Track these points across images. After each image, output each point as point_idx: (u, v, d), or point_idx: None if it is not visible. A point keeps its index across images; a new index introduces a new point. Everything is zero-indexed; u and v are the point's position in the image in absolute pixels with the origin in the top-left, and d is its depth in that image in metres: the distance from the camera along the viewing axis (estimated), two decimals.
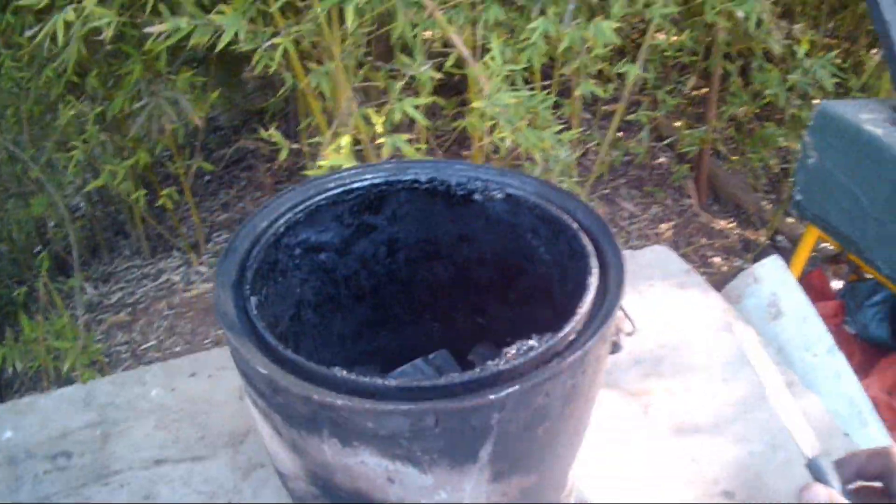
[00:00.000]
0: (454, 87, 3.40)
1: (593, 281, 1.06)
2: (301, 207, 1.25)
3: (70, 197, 4.30)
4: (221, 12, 2.36)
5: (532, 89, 2.71)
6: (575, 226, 1.18)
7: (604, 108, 4.20)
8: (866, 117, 2.37)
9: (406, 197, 1.34)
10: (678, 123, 4.25)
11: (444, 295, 1.47)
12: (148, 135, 3.20)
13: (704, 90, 4.08)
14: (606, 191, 4.13)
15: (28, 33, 2.46)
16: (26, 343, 3.03)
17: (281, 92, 2.88)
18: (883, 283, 2.56)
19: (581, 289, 1.06)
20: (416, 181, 1.32)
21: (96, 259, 4.07)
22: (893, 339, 2.79)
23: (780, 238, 3.82)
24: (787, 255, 3.66)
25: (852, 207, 2.42)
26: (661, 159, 4.43)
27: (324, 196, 1.28)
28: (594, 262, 1.10)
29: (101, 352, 3.29)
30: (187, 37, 2.38)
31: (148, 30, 2.35)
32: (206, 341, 3.38)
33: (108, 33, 2.35)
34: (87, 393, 1.61)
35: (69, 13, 2.27)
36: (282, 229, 1.21)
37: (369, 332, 1.49)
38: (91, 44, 2.84)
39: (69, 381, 3.16)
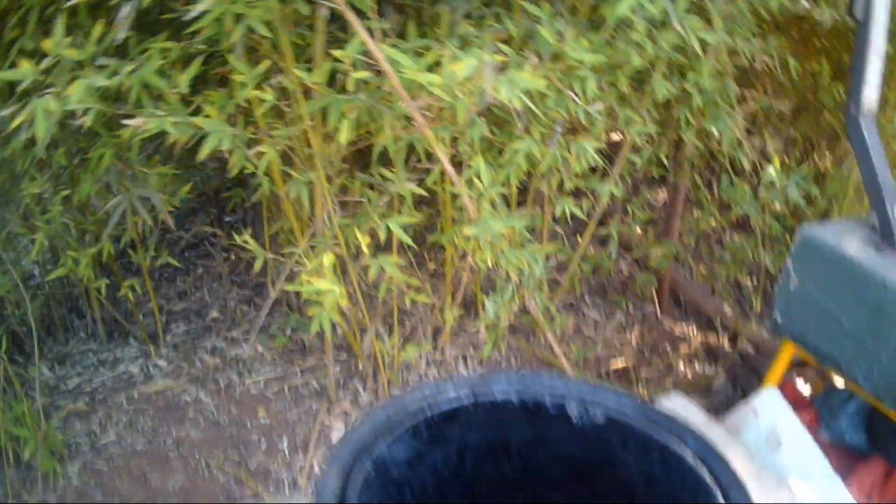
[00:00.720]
0: (422, 199, 3.38)
1: None
2: (388, 438, 1.22)
3: (28, 270, 4.22)
4: (205, 115, 2.32)
5: (508, 206, 2.71)
6: (689, 456, 1.16)
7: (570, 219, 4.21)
8: (847, 241, 2.39)
9: (486, 411, 1.31)
10: (639, 234, 4.26)
11: (513, 492, 1.43)
12: (112, 223, 3.13)
13: (669, 204, 4.09)
14: (570, 301, 4.11)
15: (3, 114, 2.35)
16: None
17: (256, 194, 2.83)
18: (861, 394, 2.56)
19: None
20: (507, 402, 1.29)
21: (51, 337, 3.97)
22: (870, 444, 2.79)
23: (741, 341, 3.81)
24: (750, 360, 3.68)
25: (833, 328, 2.42)
26: (623, 266, 4.43)
27: (408, 424, 1.25)
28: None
29: (62, 443, 3.20)
30: (164, 131, 2.33)
31: (128, 122, 2.30)
32: (169, 441, 3.29)
33: (86, 120, 2.29)
34: None
35: (49, 102, 2.20)
36: (367, 467, 1.19)
37: None
38: (62, 123, 2.78)
39: (29, 467, 3.11)
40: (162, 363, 3.72)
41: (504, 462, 1.38)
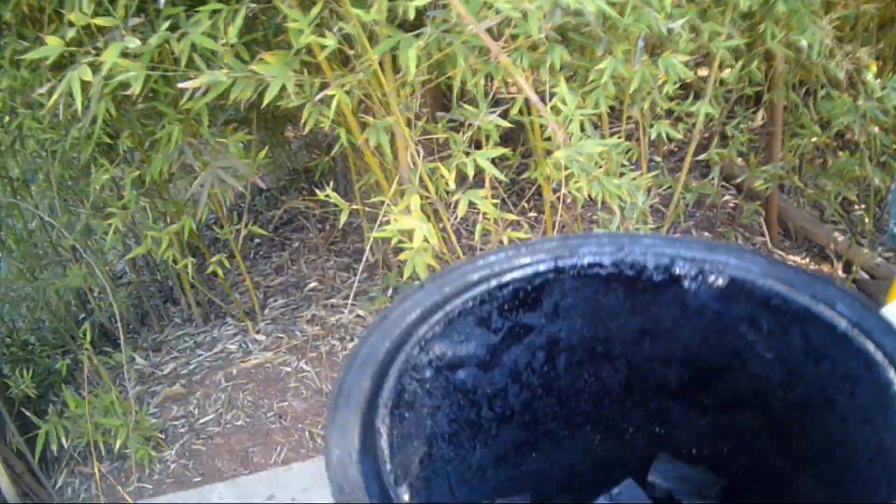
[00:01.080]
0: (507, 137, 3.24)
1: None
2: (437, 317, 0.96)
3: (112, 263, 4.18)
4: (264, 62, 2.20)
5: (601, 136, 2.56)
6: (838, 319, 0.94)
7: (665, 148, 4.05)
8: None
9: (575, 284, 1.07)
10: (739, 160, 4.08)
11: (612, 401, 1.22)
12: (191, 199, 3.05)
13: (767, 125, 3.92)
14: (676, 234, 3.95)
15: (40, 91, 2.30)
16: (71, 419, 2.88)
17: (336, 148, 2.70)
18: None
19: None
20: (596, 265, 1.05)
21: (145, 327, 3.94)
22: None
23: (855, 268, 3.63)
24: (866, 287, 3.50)
25: None
26: (726, 197, 4.26)
27: (469, 296, 1.00)
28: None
29: (156, 427, 3.13)
30: (227, 93, 2.22)
31: (182, 85, 2.21)
32: (270, 414, 3.22)
33: (136, 88, 2.19)
34: None
35: (84, 70, 2.13)
36: (413, 353, 0.93)
37: (516, 455, 1.23)
38: (120, 102, 2.69)
39: (122, 457, 3.08)
40: (260, 337, 3.66)
41: (603, 364, 1.17)
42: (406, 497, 0.73)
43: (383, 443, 0.79)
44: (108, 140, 2.99)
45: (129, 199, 3.08)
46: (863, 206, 3.97)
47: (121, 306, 3.42)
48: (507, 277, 1.00)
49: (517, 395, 1.15)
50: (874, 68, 3.05)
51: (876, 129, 3.30)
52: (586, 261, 1.04)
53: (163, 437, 3.18)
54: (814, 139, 3.56)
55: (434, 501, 0.76)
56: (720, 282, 1.01)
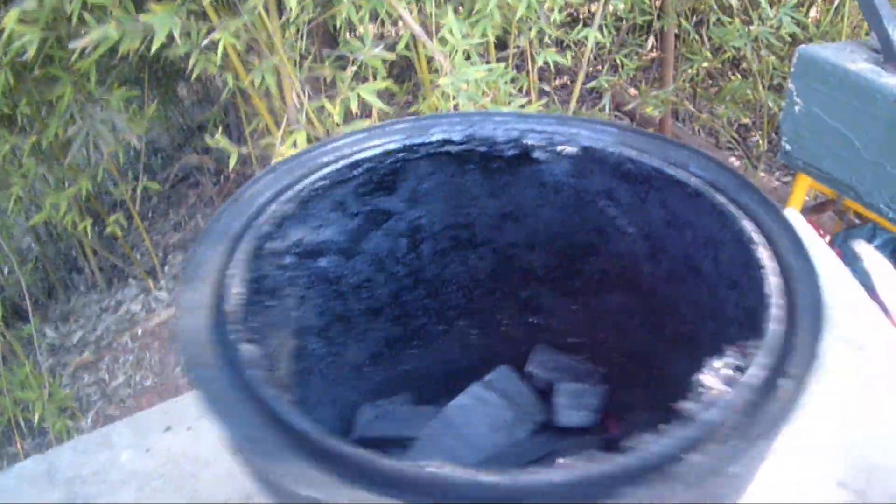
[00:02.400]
0: (398, 75, 3.25)
1: (768, 264, 0.81)
2: (289, 195, 0.94)
3: (18, 240, 4.12)
4: (151, 11, 2.18)
5: (487, 63, 2.57)
6: (690, 178, 0.93)
7: (557, 79, 4.08)
8: (849, 59, 2.28)
9: (430, 167, 1.05)
10: (632, 90, 4.12)
11: (482, 293, 1.21)
12: (88, 161, 3.02)
13: (659, 52, 3.96)
14: None
15: None
16: None
17: (224, 95, 2.69)
18: (885, 225, 2.44)
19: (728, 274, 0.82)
20: (447, 142, 1.03)
21: (52, 299, 3.89)
22: None
23: None
24: None
25: (846, 152, 2.32)
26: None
27: (319, 175, 0.97)
28: (757, 236, 0.84)
29: (70, 398, 3.11)
30: (116, 48, 2.21)
31: (73, 44, 2.19)
32: (177, 370, 3.20)
33: (31, 52, 2.17)
34: (49, 466, 1.35)
35: None
36: (265, 229, 0.90)
37: (391, 352, 1.20)
38: (19, 72, 2.66)
39: (42, 433, 3.04)
40: (162, 294, 3.63)
41: (469, 252, 1.15)
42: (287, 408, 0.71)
43: (231, 307, 0.78)
44: (6, 111, 2.95)
45: (27, 167, 3.04)
46: (758, 131, 4.01)
47: (28, 281, 3.38)
48: (358, 157, 0.99)
49: (383, 285, 1.13)
50: None
51: (768, 54, 3.36)
52: (436, 138, 1.02)
53: (77, 405, 3.15)
54: (705, 64, 3.61)
55: (310, 399, 0.75)
56: (571, 150, 0.99)
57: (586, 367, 1.18)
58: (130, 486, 1.28)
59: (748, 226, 0.87)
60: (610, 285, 1.12)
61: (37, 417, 2.89)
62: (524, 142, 1.02)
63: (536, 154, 1.02)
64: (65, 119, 2.83)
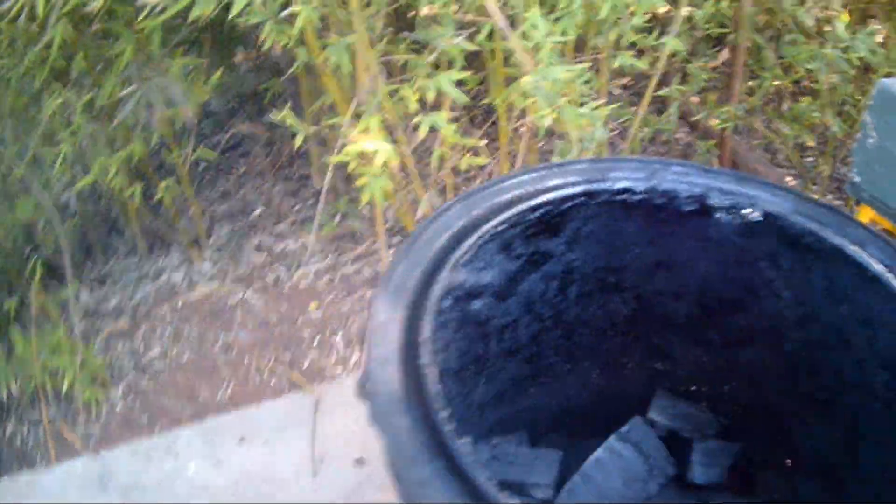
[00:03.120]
0: (468, 63, 3.20)
1: None
2: (471, 241, 0.90)
3: (59, 195, 4.07)
4: None
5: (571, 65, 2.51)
6: (870, 261, 0.91)
7: (623, 81, 4.02)
8: None
9: (598, 210, 1.03)
10: (694, 99, 4.06)
11: (614, 335, 1.19)
12: (140, 124, 2.96)
13: (731, 66, 3.90)
14: None
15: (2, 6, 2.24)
16: (20, 361, 2.80)
17: (291, 69, 2.63)
18: None
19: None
20: (627, 191, 1.01)
21: (90, 260, 3.82)
22: None
23: None
24: None
25: None
26: (680, 134, 4.25)
27: (499, 220, 0.94)
28: None
29: (103, 366, 3.05)
30: (184, 12, 2.15)
31: (142, 1, 2.12)
32: (216, 347, 3.14)
33: (97, 4, 2.11)
34: (103, 469, 1.25)
35: None
36: (446, 285, 0.87)
37: (514, 391, 1.18)
38: (77, 24, 2.60)
39: (70, 400, 2.95)
40: (206, 267, 3.58)
41: (613, 295, 1.13)
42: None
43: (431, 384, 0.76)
44: (62, 65, 2.88)
45: (78, 125, 2.97)
46: (819, 153, 3.93)
47: (67, 240, 3.32)
48: (539, 200, 0.96)
49: (527, 326, 1.11)
50: (846, 18, 3.04)
51: (841, 80, 3.29)
52: (618, 186, 1.01)
53: (108, 376, 3.10)
54: (775, 82, 3.54)
55: None
56: (754, 216, 0.98)
57: (707, 415, 1.15)
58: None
59: None
60: (750, 341, 1.10)
61: (65, 385, 2.84)
62: (708, 202, 1.00)
63: (717, 215, 1.00)
64: (121, 79, 2.77)
